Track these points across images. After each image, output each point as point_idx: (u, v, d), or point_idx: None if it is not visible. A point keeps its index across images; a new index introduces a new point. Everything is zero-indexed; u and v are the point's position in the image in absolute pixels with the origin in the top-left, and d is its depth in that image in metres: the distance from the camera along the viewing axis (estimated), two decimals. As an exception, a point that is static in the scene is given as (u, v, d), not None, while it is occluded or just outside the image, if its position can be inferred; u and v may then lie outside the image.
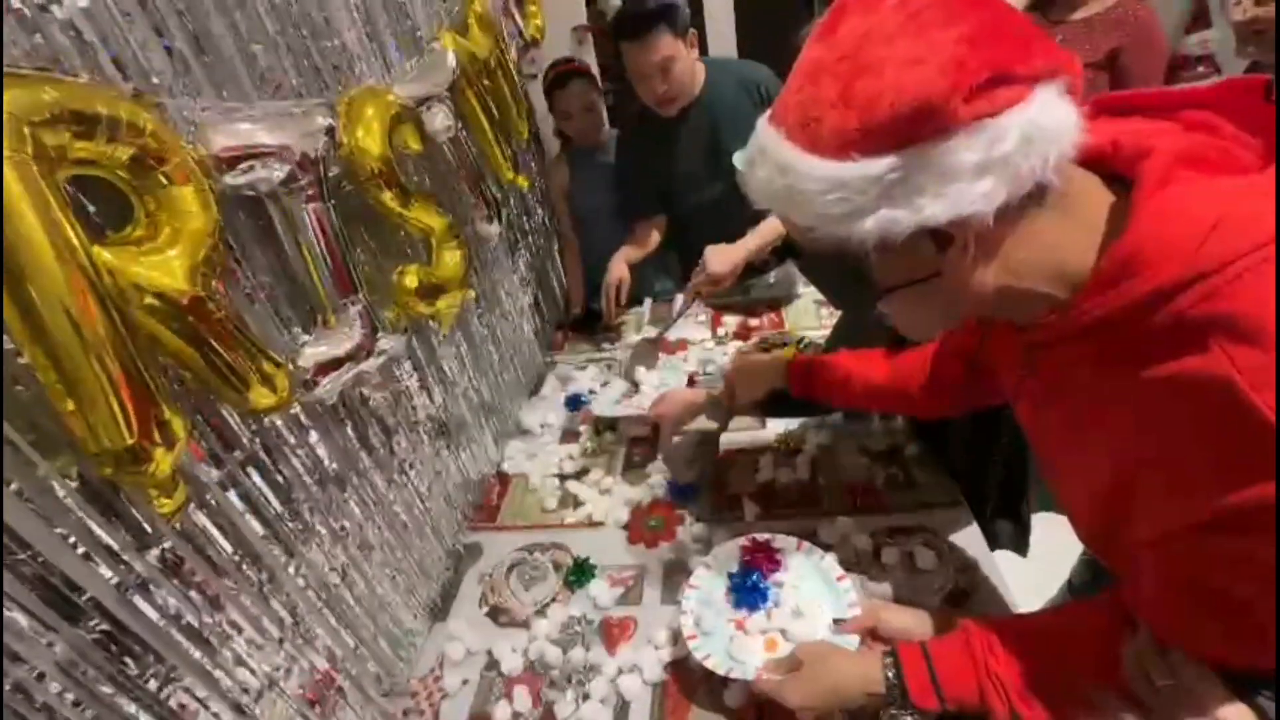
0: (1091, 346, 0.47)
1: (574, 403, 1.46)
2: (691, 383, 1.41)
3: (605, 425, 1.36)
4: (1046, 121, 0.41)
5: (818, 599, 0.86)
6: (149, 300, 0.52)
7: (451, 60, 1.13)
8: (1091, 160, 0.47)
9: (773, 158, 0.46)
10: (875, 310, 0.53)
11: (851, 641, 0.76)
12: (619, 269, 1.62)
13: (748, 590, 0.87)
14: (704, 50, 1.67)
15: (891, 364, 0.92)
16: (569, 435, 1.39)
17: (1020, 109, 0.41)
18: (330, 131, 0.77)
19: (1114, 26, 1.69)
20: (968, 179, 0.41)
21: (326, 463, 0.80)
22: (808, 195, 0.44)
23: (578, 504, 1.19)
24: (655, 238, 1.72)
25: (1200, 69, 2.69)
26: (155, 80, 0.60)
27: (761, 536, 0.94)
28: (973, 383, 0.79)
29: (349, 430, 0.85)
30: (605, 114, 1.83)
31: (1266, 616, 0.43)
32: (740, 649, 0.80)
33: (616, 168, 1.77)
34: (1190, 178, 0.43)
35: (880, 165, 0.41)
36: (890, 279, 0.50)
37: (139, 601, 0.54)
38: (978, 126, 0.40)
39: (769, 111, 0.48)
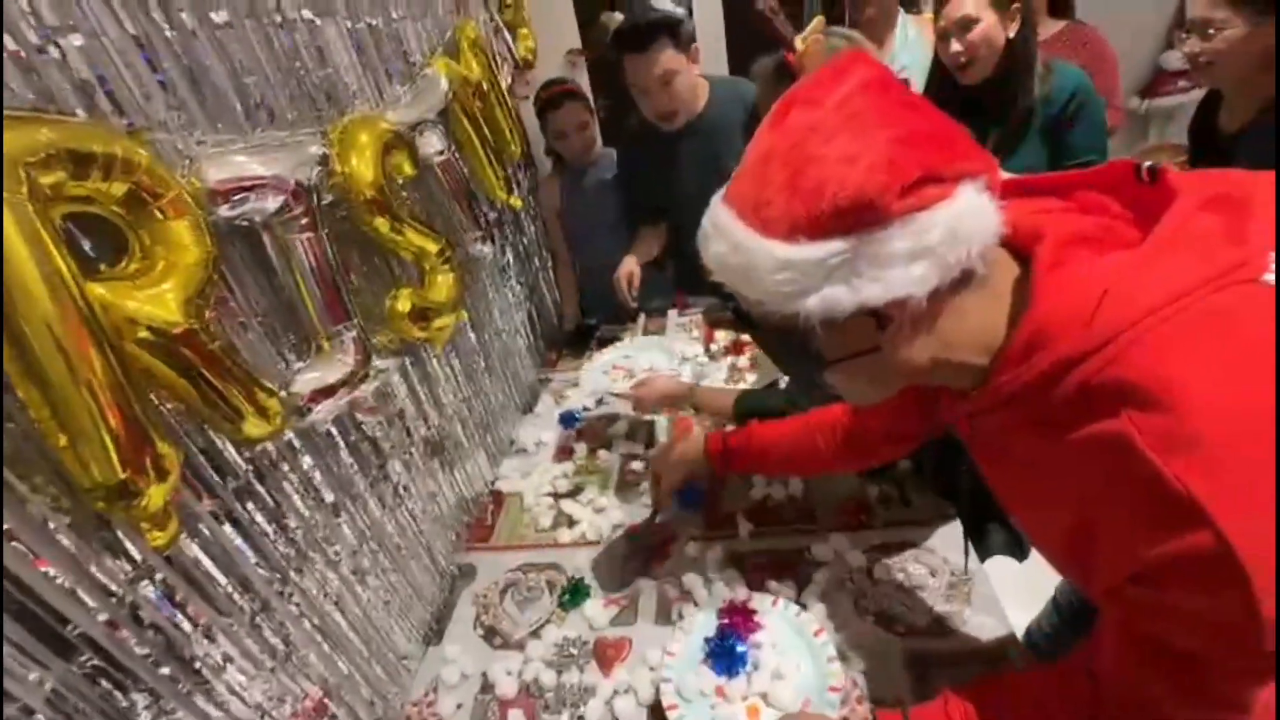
0: (1017, 414, 0.51)
1: (568, 420, 1.47)
2: None
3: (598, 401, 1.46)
4: (969, 216, 0.46)
5: (796, 658, 0.85)
6: (143, 333, 0.53)
7: (444, 85, 1.14)
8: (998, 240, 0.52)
9: (727, 236, 0.50)
10: (819, 379, 0.57)
11: (833, 702, 0.78)
12: (629, 264, 1.62)
13: (725, 655, 0.86)
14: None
15: (804, 429, 0.95)
16: (563, 453, 1.39)
17: (946, 205, 0.45)
18: (324, 160, 0.78)
19: (1069, 49, 1.79)
20: (901, 265, 0.45)
21: (320, 488, 0.80)
22: (759, 273, 0.48)
23: (572, 523, 1.19)
24: (657, 245, 1.72)
25: (1181, 83, 2.75)
26: (150, 116, 0.61)
27: (740, 597, 0.93)
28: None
29: (342, 455, 0.85)
30: (598, 133, 1.86)
31: (1209, 670, 0.45)
32: (723, 718, 0.80)
33: (618, 178, 1.79)
34: (1080, 257, 0.48)
35: (823, 249, 0.45)
36: (833, 353, 0.53)
37: (129, 635, 0.54)
38: (909, 219, 0.45)
39: (723, 191, 0.52)
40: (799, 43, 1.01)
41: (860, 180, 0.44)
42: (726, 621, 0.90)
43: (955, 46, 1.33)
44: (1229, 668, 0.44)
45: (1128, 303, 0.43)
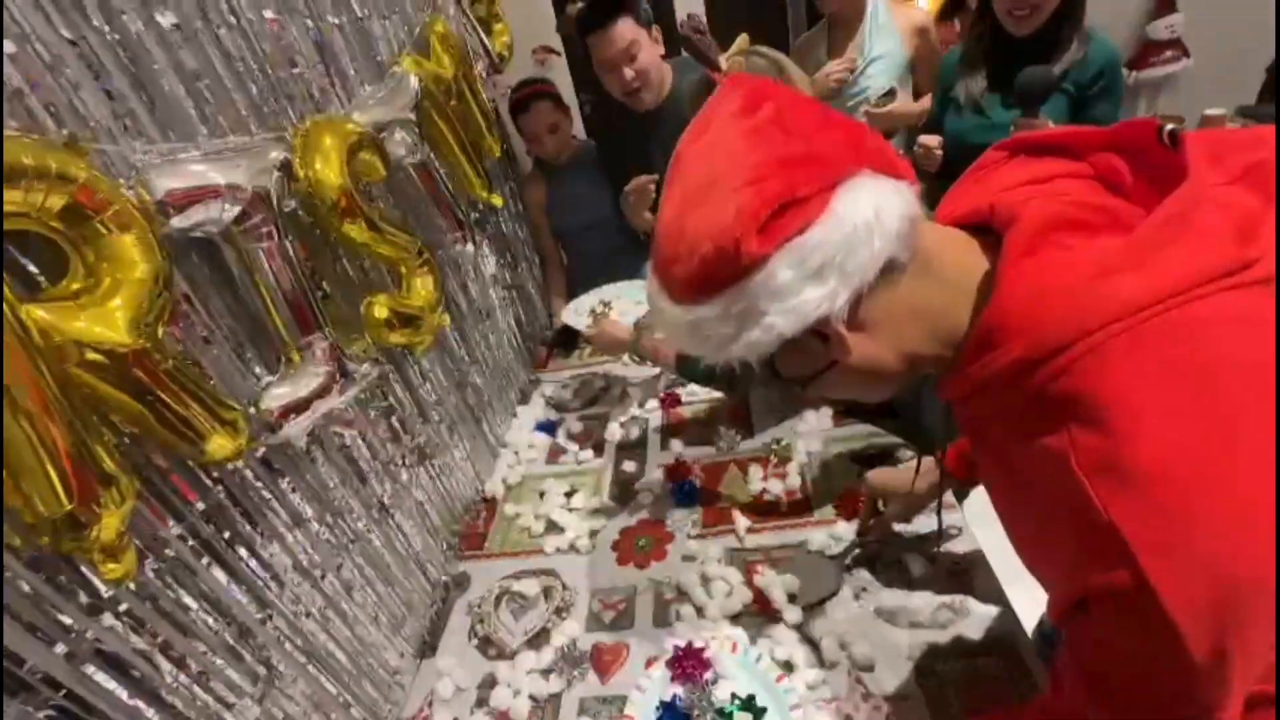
0: (985, 407, 0.48)
1: (546, 428, 1.45)
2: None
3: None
4: (856, 216, 0.44)
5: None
6: (90, 356, 0.50)
7: (413, 83, 1.11)
8: (974, 221, 0.50)
9: (653, 302, 0.53)
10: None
11: None
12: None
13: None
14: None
15: None
16: (555, 455, 1.36)
17: (823, 220, 0.43)
18: (285, 165, 0.75)
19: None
20: (798, 292, 0.44)
21: (298, 505, 0.78)
22: (682, 335, 0.51)
23: (565, 527, 1.16)
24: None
25: (1169, 53, 2.71)
26: (92, 125, 0.58)
27: (698, 642, 0.86)
28: None
29: (320, 469, 0.82)
30: (579, 130, 1.81)
31: (1153, 714, 0.42)
32: None
33: (604, 172, 1.74)
34: (1060, 243, 0.44)
35: (718, 305, 0.47)
36: (796, 375, 0.53)
37: (93, 670, 0.52)
38: (785, 249, 0.44)
39: (650, 263, 0.53)
40: (724, 61, 0.99)
41: (713, 236, 0.45)
42: (679, 669, 0.84)
43: None
44: (1174, 714, 0.42)
45: (1096, 306, 0.40)
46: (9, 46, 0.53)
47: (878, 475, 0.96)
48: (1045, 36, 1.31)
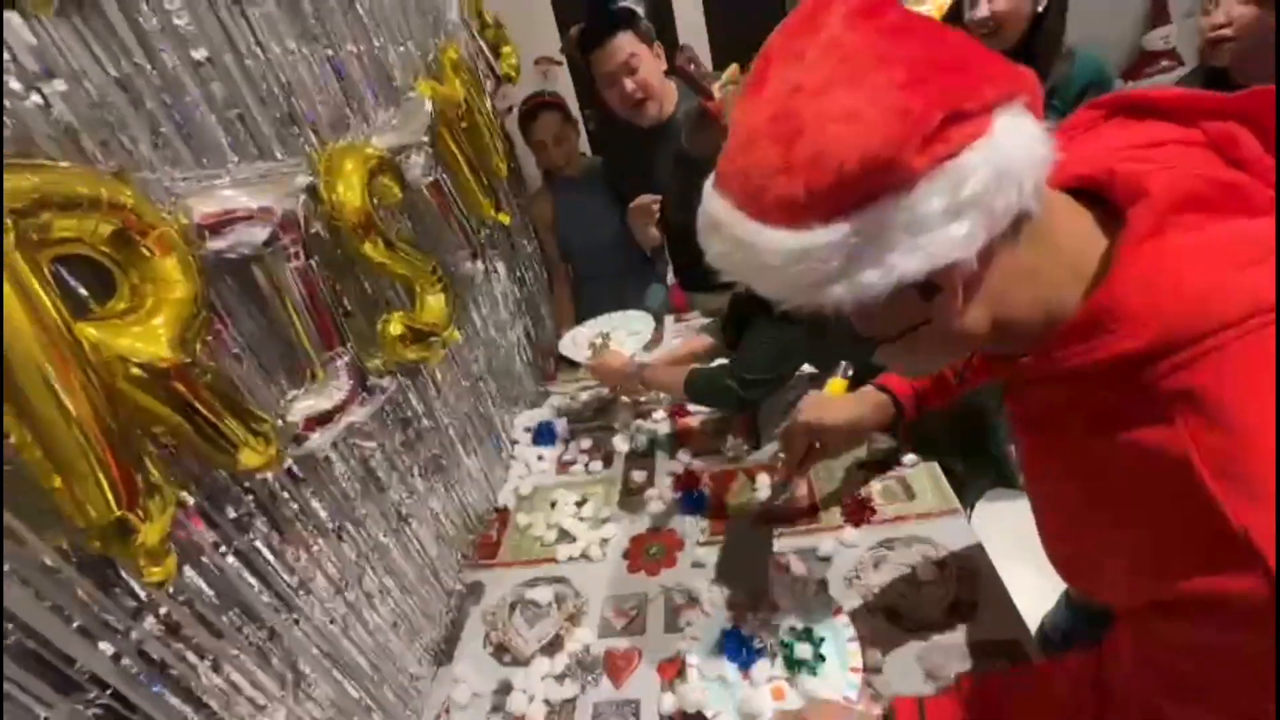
0: (1066, 393, 0.45)
1: (547, 434, 1.47)
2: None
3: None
4: (1013, 149, 0.38)
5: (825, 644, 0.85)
6: (135, 370, 0.53)
7: (429, 107, 1.15)
8: (1084, 186, 0.45)
9: (726, 231, 0.42)
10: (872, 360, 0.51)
11: (854, 683, 0.78)
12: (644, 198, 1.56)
13: (741, 650, 0.86)
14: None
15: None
16: (565, 464, 1.39)
17: (981, 143, 0.37)
18: (310, 189, 0.79)
19: None
20: (940, 227, 0.37)
21: (322, 514, 0.81)
22: (770, 269, 0.41)
23: (577, 536, 1.18)
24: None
25: (1164, 63, 2.75)
26: (135, 155, 0.62)
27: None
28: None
29: (343, 480, 0.85)
30: (584, 144, 1.86)
31: (1235, 704, 0.41)
32: (748, 703, 0.80)
33: (609, 187, 1.79)
34: (1187, 225, 0.39)
35: (840, 230, 0.38)
36: (878, 333, 0.46)
37: (136, 669, 0.54)
38: (939, 171, 0.36)
39: (713, 177, 0.44)
40: (717, 91, 1.03)
41: (868, 140, 0.35)
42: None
43: (983, 11, 1.31)
44: (1257, 709, 0.40)
45: (1227, 300, 0.36)
46: (60, 85, 0.57)
47: (812, 409, 0.88)
48: (1020, 53, 1.32)
